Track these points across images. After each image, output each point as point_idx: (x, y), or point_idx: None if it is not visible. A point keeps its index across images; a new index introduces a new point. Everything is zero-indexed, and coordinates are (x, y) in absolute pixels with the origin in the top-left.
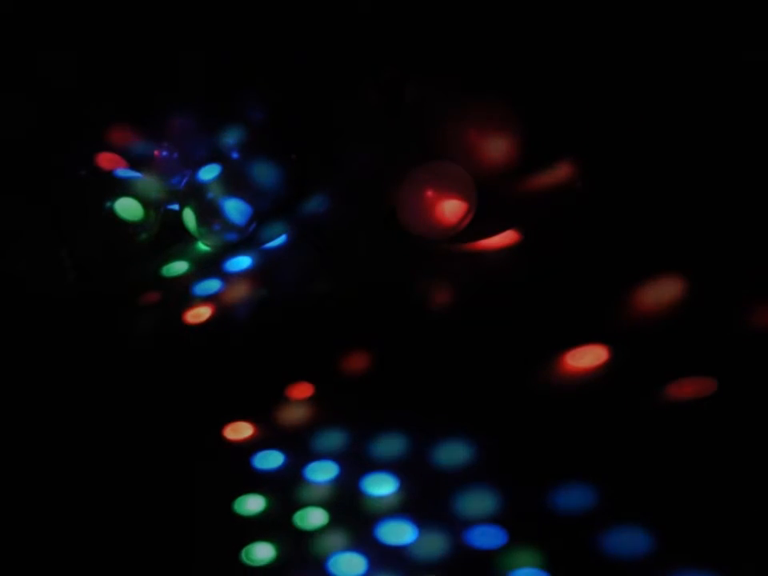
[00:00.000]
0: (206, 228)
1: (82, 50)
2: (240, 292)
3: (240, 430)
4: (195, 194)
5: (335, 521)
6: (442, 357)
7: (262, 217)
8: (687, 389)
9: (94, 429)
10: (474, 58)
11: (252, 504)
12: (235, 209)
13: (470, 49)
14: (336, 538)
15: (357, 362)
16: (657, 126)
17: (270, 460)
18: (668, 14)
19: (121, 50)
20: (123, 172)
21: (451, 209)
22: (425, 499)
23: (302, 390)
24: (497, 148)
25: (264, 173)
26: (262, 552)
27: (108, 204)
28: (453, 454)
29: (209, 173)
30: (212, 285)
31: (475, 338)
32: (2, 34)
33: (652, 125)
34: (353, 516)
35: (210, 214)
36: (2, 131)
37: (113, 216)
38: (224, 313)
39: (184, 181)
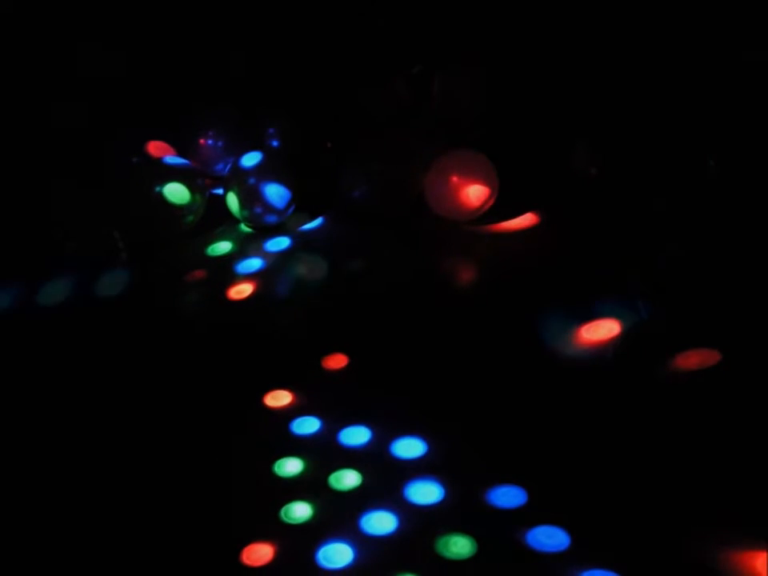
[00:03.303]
0: (247, 211)
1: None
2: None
3: (279, 398)
4: (238, 179)
5: (368, 481)
6: (467, 331)
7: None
8: (693, 359)
9: (142, 394)
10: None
11: (290, 466)
12: (275, 193)
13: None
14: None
15: (387, 335)
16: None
17: (307, 425)
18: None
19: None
20: (171, 159)
21: (475, 193)
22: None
23: (338, 361)
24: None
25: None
26: (299, 511)
27: (157, 188)
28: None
29: (251, 159)
30: (253, 263)
31: (499, 313)
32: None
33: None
34: (385, 476)
35: (251, 197)
36: (60, 122)
37: (162, 199)
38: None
39: (227, 167)
